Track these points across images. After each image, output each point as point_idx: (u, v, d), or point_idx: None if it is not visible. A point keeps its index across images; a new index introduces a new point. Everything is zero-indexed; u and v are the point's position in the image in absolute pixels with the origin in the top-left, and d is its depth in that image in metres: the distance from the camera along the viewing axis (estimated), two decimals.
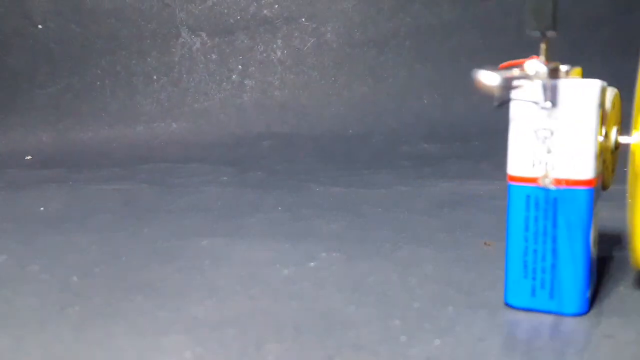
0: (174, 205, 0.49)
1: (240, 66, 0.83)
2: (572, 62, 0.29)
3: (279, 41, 0.84)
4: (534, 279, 0.27)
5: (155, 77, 0.82)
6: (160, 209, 0.48)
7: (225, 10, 0.84)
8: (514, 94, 0.26)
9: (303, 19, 0.84)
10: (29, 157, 0.73)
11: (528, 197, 0.27)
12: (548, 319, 0.27)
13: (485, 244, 0.38)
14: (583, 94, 0.25)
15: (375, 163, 0.68)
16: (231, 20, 0.84)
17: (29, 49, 0.82)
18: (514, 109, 0.27)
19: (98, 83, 0.82)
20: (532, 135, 0.26)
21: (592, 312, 0.27)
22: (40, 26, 0.82)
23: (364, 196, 0.52)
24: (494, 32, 0.85)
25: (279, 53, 0.84)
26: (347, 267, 0.34)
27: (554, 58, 0.26)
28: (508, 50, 0.85)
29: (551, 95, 0.26)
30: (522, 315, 0.27)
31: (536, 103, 0.26)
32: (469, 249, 0.37)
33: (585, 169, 0.26)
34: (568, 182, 0.26)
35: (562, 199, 0.26)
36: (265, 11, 0.84)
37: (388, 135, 0.78)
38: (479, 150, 0.72)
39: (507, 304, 0.28)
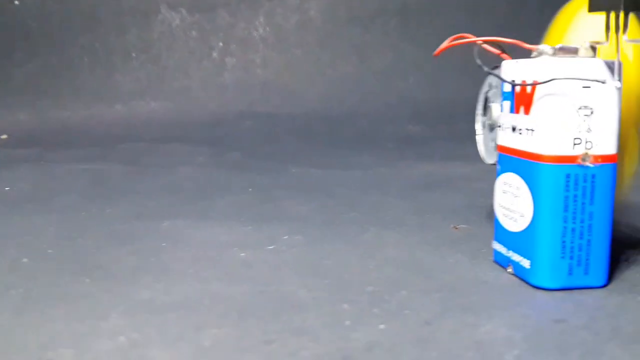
0: (143, 185, 0.48)
1: (221, 43, 0.81)
2: None
3: (261, 18, 0.82)
4: (571, 257, 0.27)
5: (134, 54, 0.81)
6: (129, 190, 0.47)
7: None
8: (560, 72, 0.26)
9: None
10: (4, 137, 0.72)
11: (568, 176, 0.26)
12: (495, 298, 0.26)
13: (454, 227, 0.37)
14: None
15: (359, 144, 0.67)
16: None
17: (6, 26, 0.81)
18: (556, 89, 0.26)
19: (76, 61, 0.80)
20: (575, 114, 0.26)
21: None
22: (17, 2, 0.80)
23: (341, 178, 0.51)
24: (481, 12, 0.83)
25: (261, 30, 0.82)
26: (307, 250, 0.33)
27: None
28: (495, 30, 0.84)
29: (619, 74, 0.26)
30: (475, 298, 0.26)
31: (603, 82, 0.26)
32: (436, 232, 0.36)
33: (614, 144, 0.27)
34: (604, 158, 0.26)
35: (599, 175, 0.26)
36: None
37: (372, 116, 0.76)
38: (464, 132, 0.71)
39: (540, 288, 0.27)
